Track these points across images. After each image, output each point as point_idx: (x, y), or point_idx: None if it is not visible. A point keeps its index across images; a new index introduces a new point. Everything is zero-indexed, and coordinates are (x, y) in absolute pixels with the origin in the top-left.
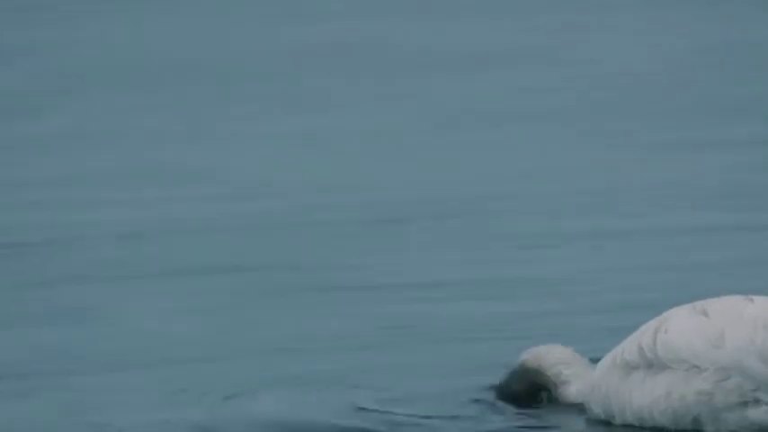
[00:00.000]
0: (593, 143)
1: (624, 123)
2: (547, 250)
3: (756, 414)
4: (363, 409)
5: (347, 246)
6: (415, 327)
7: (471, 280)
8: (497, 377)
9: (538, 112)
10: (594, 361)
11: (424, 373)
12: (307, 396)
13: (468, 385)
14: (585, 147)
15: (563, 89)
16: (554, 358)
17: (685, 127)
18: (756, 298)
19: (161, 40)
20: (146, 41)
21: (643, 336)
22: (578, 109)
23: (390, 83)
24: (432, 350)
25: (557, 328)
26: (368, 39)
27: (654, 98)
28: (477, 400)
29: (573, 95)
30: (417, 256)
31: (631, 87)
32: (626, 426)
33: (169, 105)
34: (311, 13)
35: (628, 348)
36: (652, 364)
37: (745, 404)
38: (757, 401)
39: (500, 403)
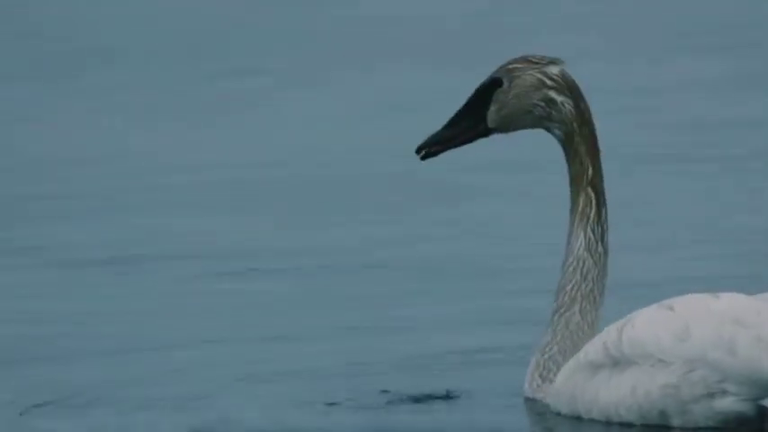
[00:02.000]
0: None
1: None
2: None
3: (723, 404)
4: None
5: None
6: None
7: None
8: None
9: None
10: None
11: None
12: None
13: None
14: None
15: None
16: None
17: None
18: (722, 294)
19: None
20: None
21: (608, 334)
22: None
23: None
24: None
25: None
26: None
27: None
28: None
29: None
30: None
31: None
32: (593, 422)
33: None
34: None
35: (591, 349)
36: (618, 362)
37: (711, 395)
38: (724, 392)
39: None
